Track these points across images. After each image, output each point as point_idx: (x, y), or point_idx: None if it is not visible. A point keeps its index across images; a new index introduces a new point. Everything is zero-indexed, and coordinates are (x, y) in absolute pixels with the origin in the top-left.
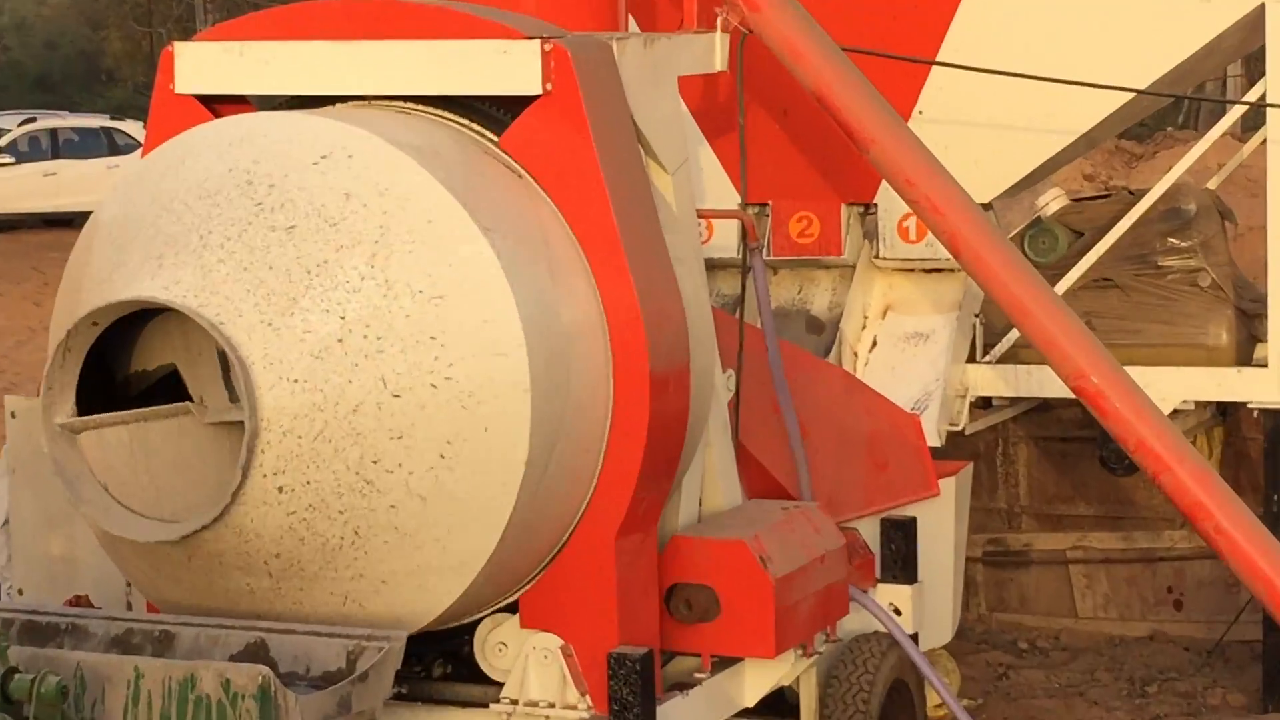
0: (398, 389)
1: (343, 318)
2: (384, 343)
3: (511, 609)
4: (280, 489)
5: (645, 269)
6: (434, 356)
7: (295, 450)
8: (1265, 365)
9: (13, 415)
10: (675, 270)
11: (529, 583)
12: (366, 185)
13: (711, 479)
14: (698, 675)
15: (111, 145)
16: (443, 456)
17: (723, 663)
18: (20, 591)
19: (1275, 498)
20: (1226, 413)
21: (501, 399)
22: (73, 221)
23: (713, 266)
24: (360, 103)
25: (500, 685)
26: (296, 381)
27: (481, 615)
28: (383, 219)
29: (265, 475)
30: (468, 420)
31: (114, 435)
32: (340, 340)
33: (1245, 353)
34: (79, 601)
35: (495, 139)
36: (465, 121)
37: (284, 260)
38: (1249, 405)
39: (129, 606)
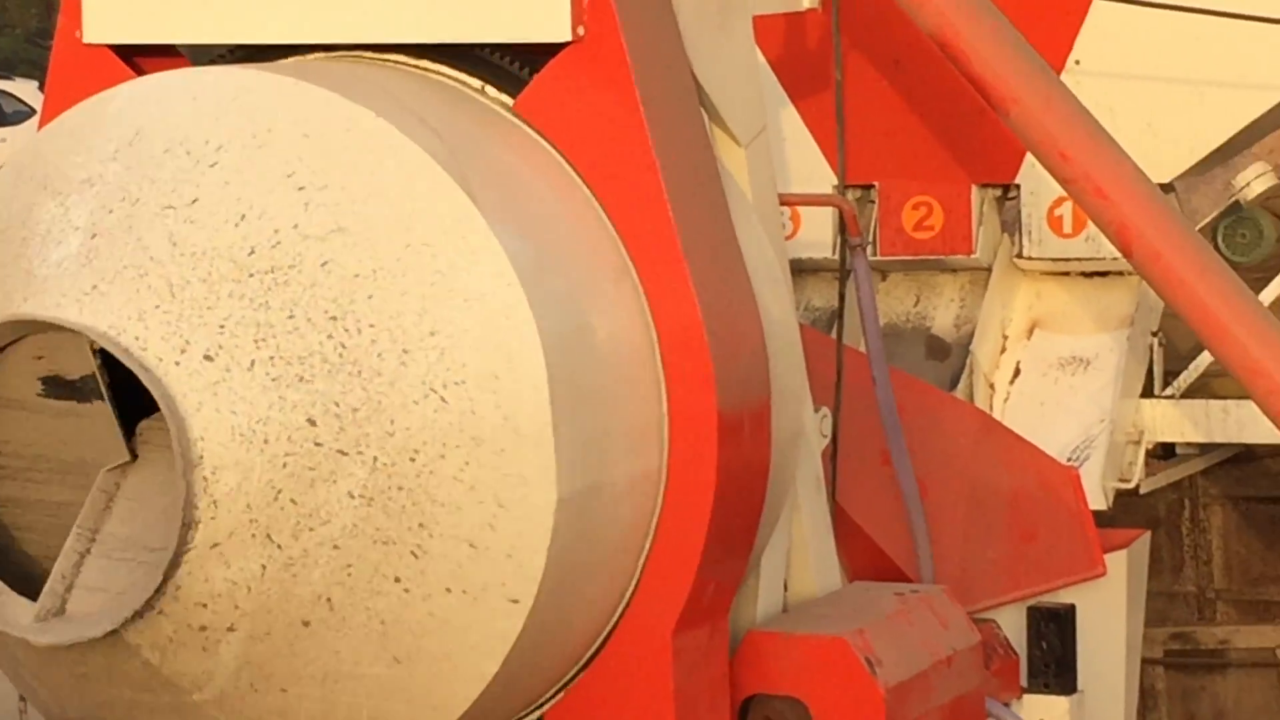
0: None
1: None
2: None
3: None
4: (206, 356)
5: (710, 274)
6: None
7: (169, 319)
8: None
9: None
10: (750, 276)
11: (556, 694)
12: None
13: (800, 555)
14: None
15: None
16: (424, 536)
17: None
18: None
19: None
20: None
21: (516, 454)
22: None
23: (801, 270)
24: (326, 55)
25: None
26: (95, 288)
27: None
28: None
29: (177, 361)
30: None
31: None
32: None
33: None
34: None
35: (508, 103)
36: (468, 79)
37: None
38: None
39: None
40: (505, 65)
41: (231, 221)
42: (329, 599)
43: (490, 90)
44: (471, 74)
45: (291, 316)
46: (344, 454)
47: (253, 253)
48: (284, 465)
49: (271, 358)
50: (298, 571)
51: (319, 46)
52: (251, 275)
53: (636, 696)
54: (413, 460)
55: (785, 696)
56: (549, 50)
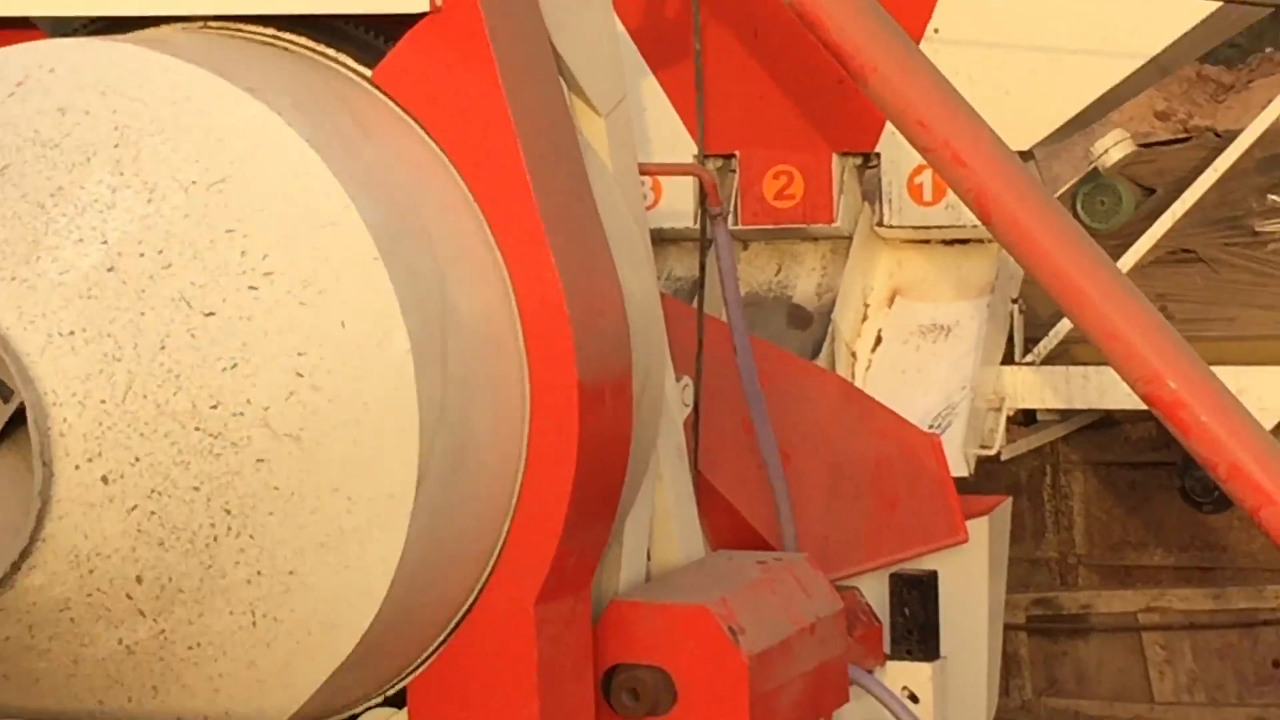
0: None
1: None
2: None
3: (397, 701)
4: (104, 478)
5: (571, 245)
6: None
7: (105, 421)
8: None
9: None
10: (611, 246)
11: (419, 666)
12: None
13: (663, 524)
14: None
15: None
16: (149, 696)
17: None
18: None
19: None
20: None
21: (380, 440)
22: None
23: (662, 240)
24: (184, 25)
25: None
26: (73, 334)
27: (355, 711)
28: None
29: (78, 465)
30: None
31: None
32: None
33: None
34: None
35: (367, 74)
36: (326, 50)
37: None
38: None
39: None
40: (364, 36)
41: (218, 367)
42: (38, 680)
43: (349, 63)
44: (330, 44)
45: (198, 489)
46: (142, 615)
47: (217, 437)
48: (89, 596)
49: (153, 514)
50: (32, 660)
51: (177, 18)
52: (197, 428)
53: (499, 667)
54: (189, 649)
55: (649, 665)
56: (406, 21)
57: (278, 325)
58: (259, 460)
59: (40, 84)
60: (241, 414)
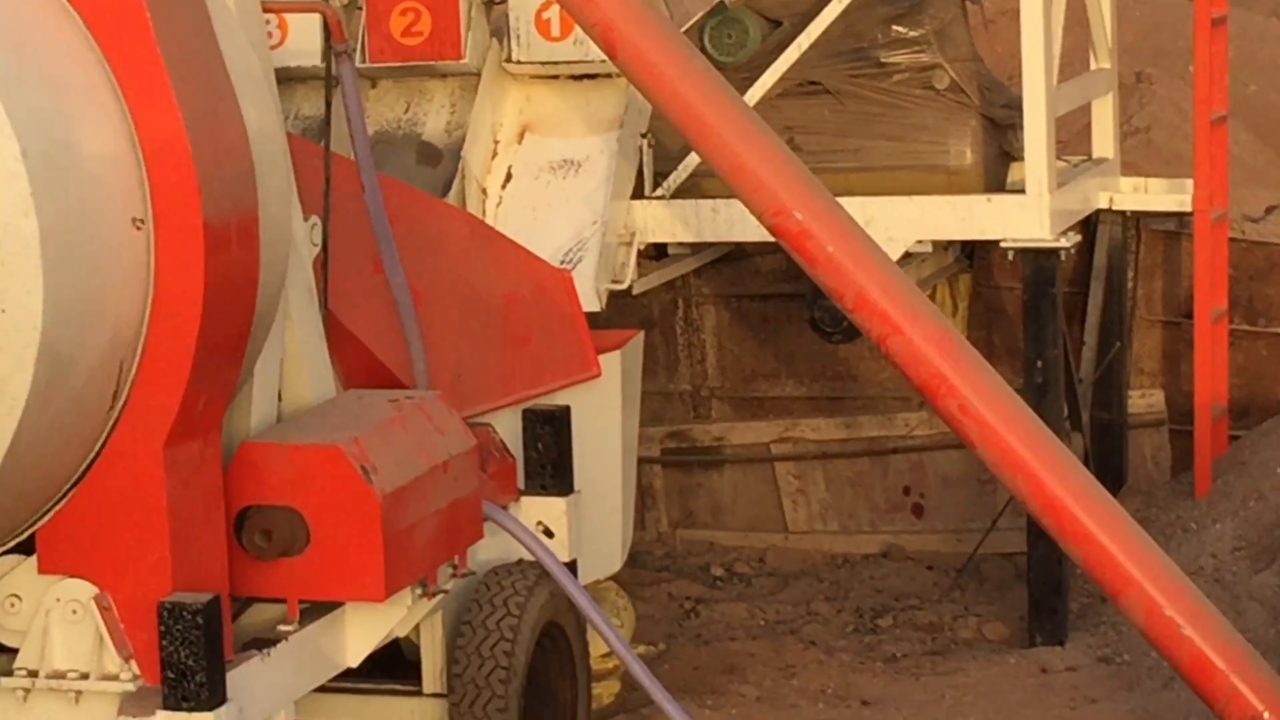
0: None
1: None
2: None
3: (25, 548)
4: None
5: (193, 84)
6: None
7: None
8: (1022, 191)
9: None
10: (234, 85)
11: (47, 512)
12: None
13: (294, 365)
14: (282, 628)
15: None
16: None
17: (315, 610)
18: None
19: (1038, 364)
20: (974, 255)
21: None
22: None
23: (289, 79)
24: None
25: (14, 652)
26: None
27: None
28: None
29: None
30: None
31: None
32: None
33: (996, 176)
34: None
35: None
36: None
37: None
38: (1002, 245)
39: None
40: None
41: None
42: None
43: None
44: None
45: None
46: None
47: None
48: None
49: None
50: None
51: None
52: None
53: (129, 512)
54: None
55: (281, 506)
56: None
57: None
58: None
59: None
60: None
